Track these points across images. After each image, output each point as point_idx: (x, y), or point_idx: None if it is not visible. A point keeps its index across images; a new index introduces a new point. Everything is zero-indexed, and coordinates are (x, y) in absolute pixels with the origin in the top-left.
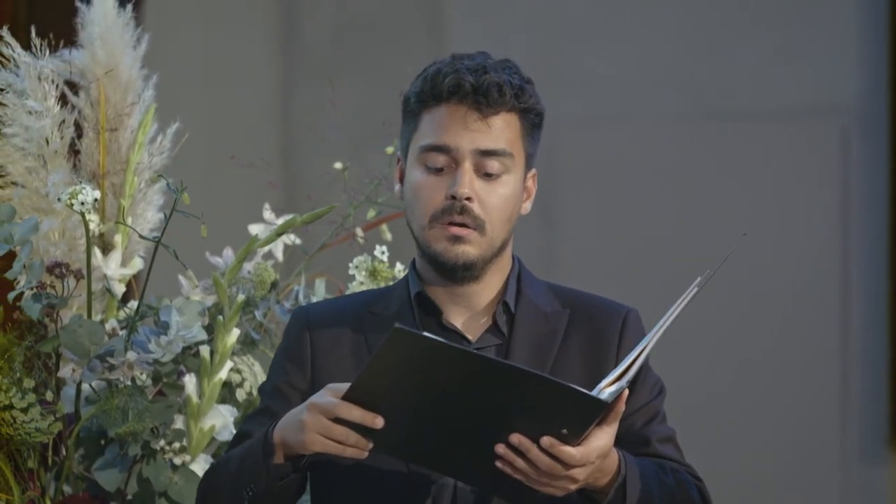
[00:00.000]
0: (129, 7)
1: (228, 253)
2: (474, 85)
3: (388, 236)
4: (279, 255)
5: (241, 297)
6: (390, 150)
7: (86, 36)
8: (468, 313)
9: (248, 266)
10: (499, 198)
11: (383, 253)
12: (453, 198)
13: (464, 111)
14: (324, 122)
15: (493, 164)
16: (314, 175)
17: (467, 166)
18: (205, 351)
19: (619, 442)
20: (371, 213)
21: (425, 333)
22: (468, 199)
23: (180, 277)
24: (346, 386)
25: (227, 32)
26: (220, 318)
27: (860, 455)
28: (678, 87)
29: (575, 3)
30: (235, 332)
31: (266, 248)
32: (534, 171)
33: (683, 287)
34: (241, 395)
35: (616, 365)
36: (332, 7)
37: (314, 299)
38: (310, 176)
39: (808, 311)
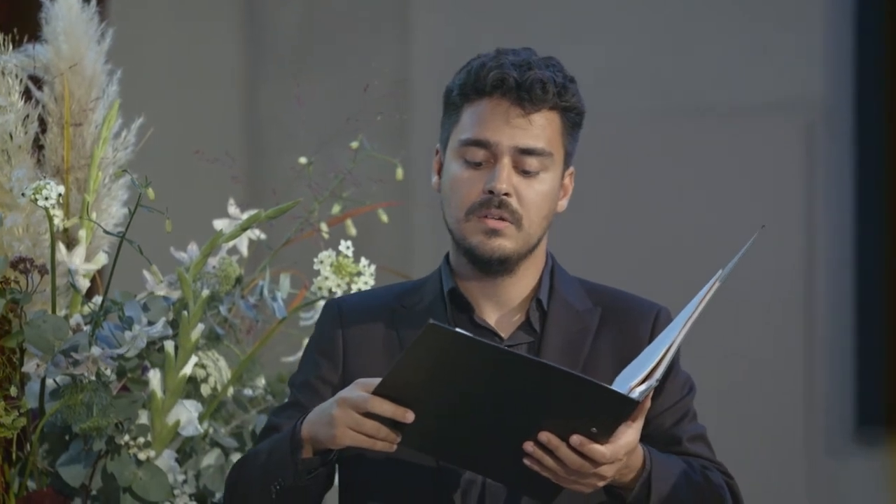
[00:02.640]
0: (94, 2)
1: (193, 248)
2: (518, 80)
3: (353, 231)
4: (244, 251)
5: (205, 293)
6: (355, 145)
7: (50, 31)
8: (501, 310)
9: (212, 261)
10: (536, 194)
11: (348, 248)
12: (491, 192)
13: (506, 106)
14: (289, 118)
15: (531, 162)
16: (279, 170)
17: (506, 162)
18: (169, 346)
19: (651, 441)
20: (335, 209)
21: (458, 329)
22: (506, 194)
23: (145, 273)
24: (376, 381)
25: (191, 27)
26: (185, 313)
27: (826, 449)
28: (644, 84)
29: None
30: (200, 328)
31: (231, 244)
32: (572, 168)
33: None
34: (205, 390)
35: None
36: (298, 2)
37: (279, 295)
38: (274, 171)
39: (773, 306)
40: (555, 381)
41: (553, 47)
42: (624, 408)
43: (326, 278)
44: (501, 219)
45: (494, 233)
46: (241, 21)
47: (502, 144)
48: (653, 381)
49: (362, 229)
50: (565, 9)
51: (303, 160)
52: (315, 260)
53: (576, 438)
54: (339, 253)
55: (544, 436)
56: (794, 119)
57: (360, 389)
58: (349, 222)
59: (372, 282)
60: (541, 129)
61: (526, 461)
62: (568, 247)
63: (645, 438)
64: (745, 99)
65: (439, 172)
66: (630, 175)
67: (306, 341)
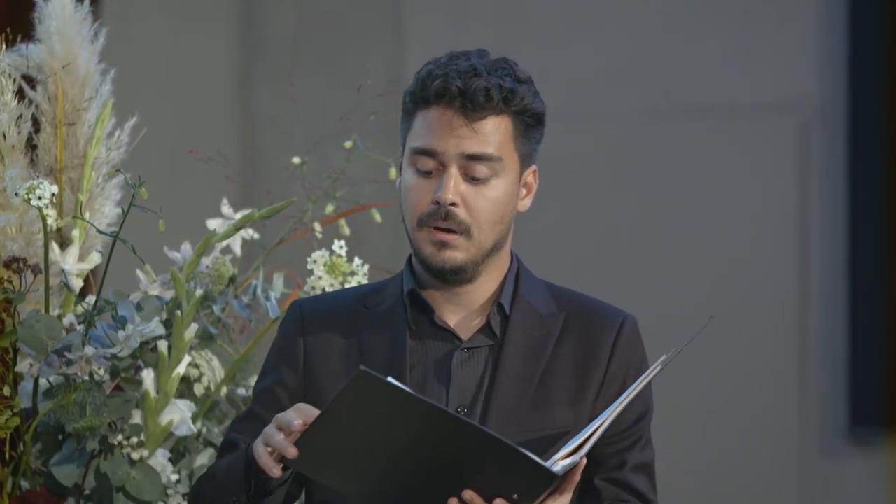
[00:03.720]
0: (87, 1)
1: (186, 248)
2: (461, 89)
3: (347, 231)
4: (237, 250)
5: (198, 292)
6: (349, 144)
7: (43, 30)
8: (462, 312)
9: (205, 261)
10: (486, 201)
11: (341, 248)
12: (437, 203)
13: (450, 115)
14: (282, 117)
15: (480, 169)
16: (273, 170)
17: (453, 171)
18: (162, 346)
19: (594, 462)
20: (329, 208)
21: (389, 379)
22: (453, 204)
23: (138, 272)
24: (315, 411)
25: (185, 26)
26: (178, 312)
27: (819, 450)
28: (639, 84)
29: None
30: (193, 327)
31: (224, 243)
32: (534, 167)
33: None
34: (198, 389)
35: (606, 375)
36: (292, 2)
37: (272, 294)
38: (268, 171)
39: (768, 307)
40: (478, 441)
41: (548, 47)
42: (544, 479)
43: (320, 278)
44: (449, 230)
45: (444, 245)
46: (235, 21)
47: (448, 153)
48: (577, 458)
49: (356, 229)
50: (560, 9)
51: (296, 160)
52: (308, 259)
53: (498, 502)
54: (332, 252)
55: (468, 494)
56: (789, 119)
57: (294, 413)
58: (343, 222)
59: (365, 281)
60: (487, 135)
61: None
62: (564, 246)
63: (590, 460)
64: (740, 99)
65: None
66: (626, 174)
67: None
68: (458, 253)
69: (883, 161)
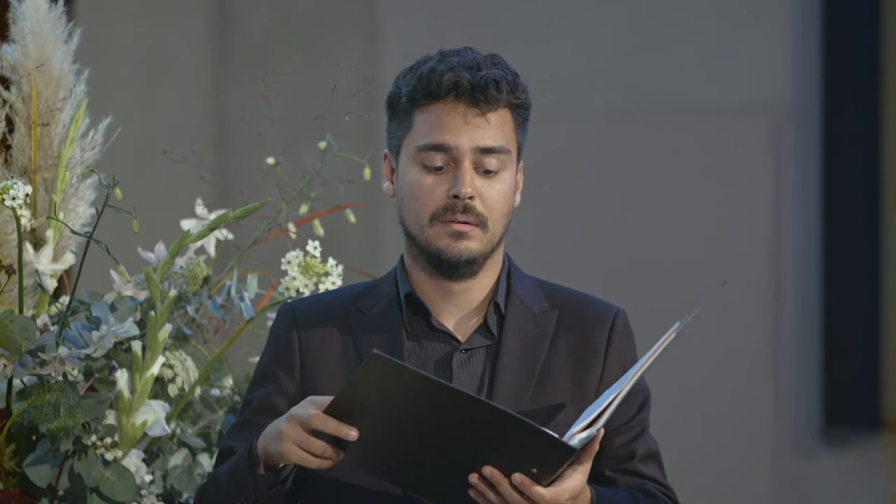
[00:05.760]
0: (61, 2)
1: (160, 248)
2: (472, 82)
3: (321, 231)
4: (211, 251)
5: (173, 293)
6: (323, 145)
7: (17, 30)
8: (458, 313)
9: (180, 261)
10: (498, 194)
11: (315, 248)
12: (455, 197)
13: (462, 109)
14: (257, 118)
15: (491, 161)
16: (247, 170)
17: (467, 165)
18: (136, 346)
19: (603, 456)
20: (303, 209)
21: (402, 363)
22: (471, 198)
23: (112, 273)
24: (327, 399)
25: (159, 27)
26: (152, 313)
27: (794, 449)
28: (612, 83)
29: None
30: (167, 328)
31: (198, 244)
32: (521, 163)
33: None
34: (172, 390)
35: (604, 370)
36: (266, 2)
37: (246, 295)
38: (242, 171)
39: (741, 306)
40: (494, 419)
41: (521, 47)
42: (562, 453)
43: (294, 278)
44: (467, 223)
45: (461, 235)
46: (209, 21)
47: (462, 147)
48: (594, 430)
49: (330, 229)
50: (534, 8)
51: (271, 160)
52: (283, 260)
53: (517, 477)
54: (306, 253)
55: (487, 470)
56: (762, 118)
57: (311, 407)
58: (317, 222)
59: (339, 282)
60: (497, 127)
61: (470, 492)
62: (538, 244)
63: (598, 453)
64: (714, 98)
65: (391, 178)
66: (598, 173)
67: None
68: (473, 244)
69: (855, 161)
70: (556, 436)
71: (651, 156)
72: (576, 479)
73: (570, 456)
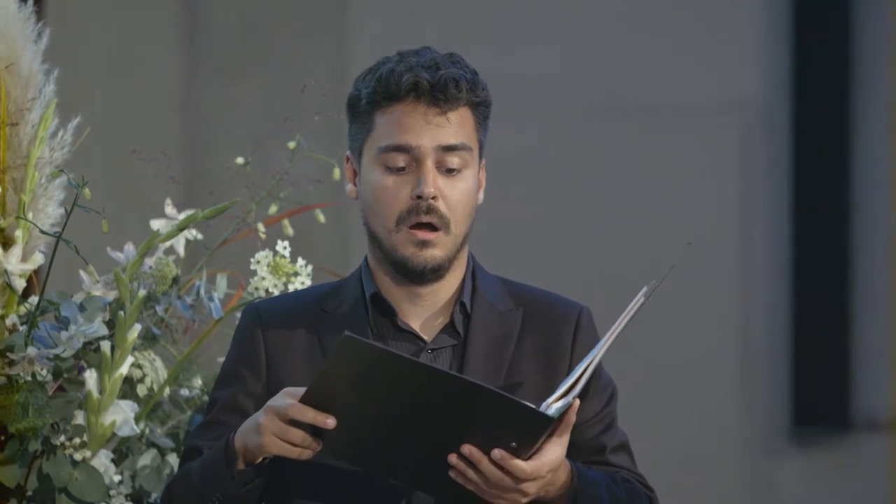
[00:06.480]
0: (30, 1)
1: (129, 248)
2: (431, 82)
3: (290, 231)
4: (180, 251)
5: (142, 293)
6: (292, 145)
7: None
8: (424, 313)
9: (149, 261)
10: (461, 193)
11: (285, 248)
12: (419, 197)
13: (422, 109)
14: (226, 118)
15: (454, 160)
16: (216, 170)
17: (430, 164)
18: (105, 346)
19: (574, 449)
20: (273, 209)
21: (374, 342)
22: (434, 197)
23: (81, 273)
24: (302, 390)
25: (129, 26)
26: (121, 313)
27: (762, 450)
28: (583, 83)
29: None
30: (136, 328)
31: (167, 244)
32: (483, 161)
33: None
34: (141, 390)
35: (571, 366)
36: (236, 2)
37: (216, 295)
38: (212, 171)
39: (710, 307)
40: (470, 395)
41: (492, 47)
42: (540, 424)
43: (263, 278)
44: (430, 224)
45: (425, 244)
46: (179, 21)
47: (424, 146)
48: (570, 399)
49: (299, 229)
50: (504, 9)
51: (240, 160)
52: (252, 260)
53: (496, 453)
54: (276, 253)
55: (466, 448)
56: (732, 119)
57: (287, 397)
58: (286, 222)
59: (308, 282)
60: (458, 126)
61: (451, 473)
62: (509, 243)
63: (569, 447)
64: (684, 99)
65: (354, 181)
66: (569, 173)
67: None
68: (438, 251)
69: (825, 162)
70: (533, 406)
71: (621, 156)
72: (555, 451)
73: (547, 426)
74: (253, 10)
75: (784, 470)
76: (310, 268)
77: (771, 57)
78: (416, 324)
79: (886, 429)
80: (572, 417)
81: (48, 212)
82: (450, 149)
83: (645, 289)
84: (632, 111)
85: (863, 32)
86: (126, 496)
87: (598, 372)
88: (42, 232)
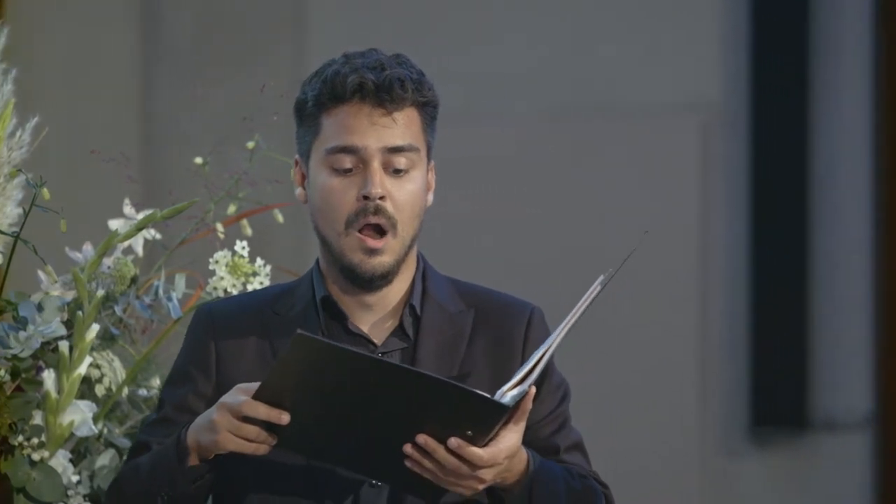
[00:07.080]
0: None
1: (88, 248)
2: (376, 82)
3: (249, 231)
4: (139, 250)
5: (100, 293)
6: (251, 145)
7: None
8: (375, 317)
9: (107, 261)
10: (408, 194)
11: (244, 248)
12: (366, 198)
13: (368, 110)
14: (185, 117)
15: (400, 160)
16: (175, 170)
17: (376, 165)
18: (64, 346)
19: (529, 448)
20: (231, 209)
21: (326, 339)
22: (381, 198)
23: (39, 273)
24: (255, 386)
25: (88, 26)
26: (80, 313)
27: (720, 449)
28: (541, 84)
29: (440, 1)
30: (95, 328)
31: (126, 243)
32: (433, 163)
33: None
34: (100, 390)
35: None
36: (193, 2)
37: (174, 295)
38: (170, 171)
39: (668, 306)
40: (423, 387)
41: (450, 49)
42: (495, 413)
43: (222, 278)
44: (379, 227)
45: (374, 252)
46: (137, 20)
47: (370, 147)
48: (525, 386)
49: (258, 230)
50: (461, 11)
51: (199, 160)
52: (211, 260)
53: (453, 441)
54: (234, 253)
55: (422, 438)
56: (691, 119)
57: (240, 394)
58: (245, 222)
59: (267, 282)
60: (404, 126)
61: (407, 463)
62: (468, 244)
63: (523, 445)
64: (642, 99)
65: (303, 184)
66: (527, 174)
67: None
68: (386, 258)
69: (784, 162)
70: (488, 395)
71: (579, 156)
72: (511, 438)
73: (503, 414)
74: (211, 11)
75: (742, 469)
76: (269, 268)
77: (729, 57)
78: (366, 327)
79: (844, 429)
80: (528, 404)
81: (6, 211)
82: (396, 150)
83: (602, 277)
84: (588, 112)
85: (820, 33)
86: (84, 496)
87: (550, 371)
88: (0, 232)
